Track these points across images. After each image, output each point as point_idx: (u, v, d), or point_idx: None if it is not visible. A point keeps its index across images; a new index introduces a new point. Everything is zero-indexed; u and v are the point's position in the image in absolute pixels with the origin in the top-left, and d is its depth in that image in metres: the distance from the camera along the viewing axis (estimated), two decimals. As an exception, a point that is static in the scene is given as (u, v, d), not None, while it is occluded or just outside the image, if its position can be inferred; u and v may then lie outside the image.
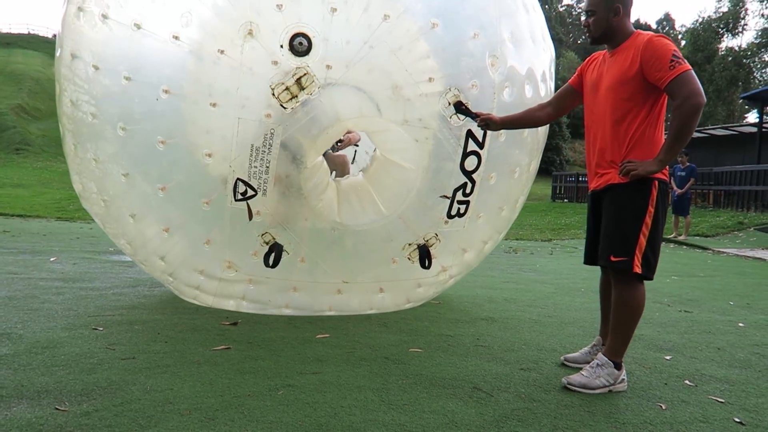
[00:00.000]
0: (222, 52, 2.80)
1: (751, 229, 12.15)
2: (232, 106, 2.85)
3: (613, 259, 2.42)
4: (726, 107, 39.70)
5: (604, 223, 2.51)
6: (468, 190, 3.26)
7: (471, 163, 3.20)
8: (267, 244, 3.14)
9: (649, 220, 2.40)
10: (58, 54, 3.24)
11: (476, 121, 2.87)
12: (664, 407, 2.30)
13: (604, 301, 2.76)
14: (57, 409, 2.00)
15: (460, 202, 3.29)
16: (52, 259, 5.47)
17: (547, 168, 29.63)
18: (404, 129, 3.04)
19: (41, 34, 47.40)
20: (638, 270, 2.39)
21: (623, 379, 2.49)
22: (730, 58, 38.26)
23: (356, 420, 2.04)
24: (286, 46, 2.78)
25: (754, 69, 39.23)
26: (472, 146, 3.15)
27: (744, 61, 38.31)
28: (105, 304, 3.66)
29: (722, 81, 37.17)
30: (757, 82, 38.42)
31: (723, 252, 9.46)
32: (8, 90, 30.13)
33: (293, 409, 2.11)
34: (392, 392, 2.33)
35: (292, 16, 2.78)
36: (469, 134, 3.11)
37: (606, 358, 2.47)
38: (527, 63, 3.31)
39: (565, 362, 2.81)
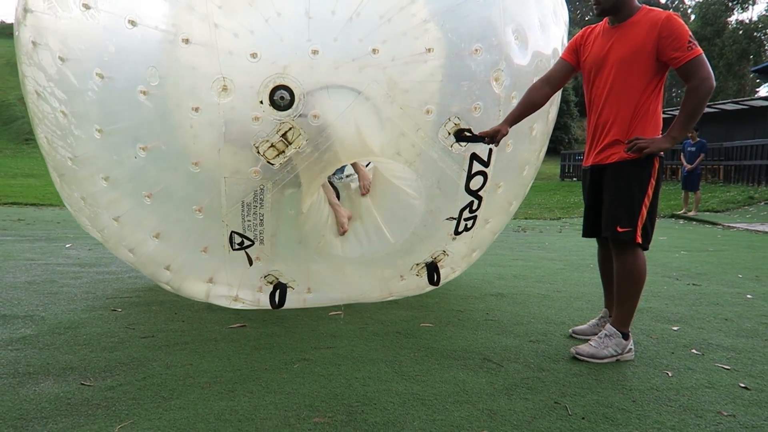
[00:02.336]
0: (196, 109, 2.51)
1: (762, 203, 12.11)
2: (215, 165, 2.63)
3: (619, 229, 2.46)
4: (737, 81, 39.08)
5: (610, 196, 2.52)
6: (474, 207, 3.11)
7: (476, 182, 3.00)
8: (271, 284, 3.06)
9: (650, 192, 2.45)
10: (20, 77, 2.92)
11: (484, 142, 2.68)
12: (670, 374, 2.35)
13: (604, 273, 2.81)
14: (83, 384, 2.09)
15: (466, 219, 3.14)
16: (67, 246, 5.58)
17: (555, 147, 29.32)
18: (404, 164, 2.90)
19: (46, 23, 47.37)
20: (639, 240, 2.44)
21: (630, 349, 2.54)
22: (740, 32, 37.62)
23: (370, 390, 2.11)
24: (267, 102, 2.49)
25: (765, 42, 38.57)
26: (477, 167, 2.95)
27: (755, 34, 37.66)
28: (122, 287, 3.75)
29: (733, 55, 36.58)
30: (768, 55, 37.85)
31: (733, 227, 9.43)
32: (15, 81, 30.12)
33: (309, 381, 2.18)
34: (404, 364, 2.40)
35: (270, 66, 2.47)
36: (474, 157, 2.91)
37: (614, 329, 2.52)
38: (535, 53, 2.98)
39: (573, 334, 2.87)
